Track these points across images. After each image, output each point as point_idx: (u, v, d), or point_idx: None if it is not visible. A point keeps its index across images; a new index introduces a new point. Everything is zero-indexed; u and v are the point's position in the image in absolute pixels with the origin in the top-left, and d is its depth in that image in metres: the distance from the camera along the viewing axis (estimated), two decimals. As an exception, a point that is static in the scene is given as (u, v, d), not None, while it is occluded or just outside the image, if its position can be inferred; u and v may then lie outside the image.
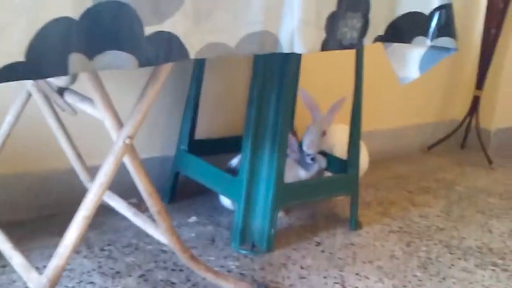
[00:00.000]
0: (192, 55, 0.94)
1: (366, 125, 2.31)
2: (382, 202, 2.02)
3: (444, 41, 1.26)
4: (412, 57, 1.30)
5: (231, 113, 1.95)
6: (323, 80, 2.12)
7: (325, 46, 1.12)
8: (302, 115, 1.89)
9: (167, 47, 0.90)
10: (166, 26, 0.89)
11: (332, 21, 1.11)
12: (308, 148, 1.73)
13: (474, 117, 2.67)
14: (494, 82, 2.69)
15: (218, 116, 1.93)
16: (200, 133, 1.83)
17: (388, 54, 1.34)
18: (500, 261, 1.65)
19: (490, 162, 2.58)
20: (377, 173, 2.30)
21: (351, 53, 1.62)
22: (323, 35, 1.11)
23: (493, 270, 1.59)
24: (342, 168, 1.75)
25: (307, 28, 1.07)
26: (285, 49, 1.07)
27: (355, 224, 1.76)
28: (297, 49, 1.07)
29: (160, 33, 0.88)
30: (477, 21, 2.69)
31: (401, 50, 1.31)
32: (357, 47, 1.19)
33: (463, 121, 2.70)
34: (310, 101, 1.77)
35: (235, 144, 1.67)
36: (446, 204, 2.07)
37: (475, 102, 2.65)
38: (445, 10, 1.26)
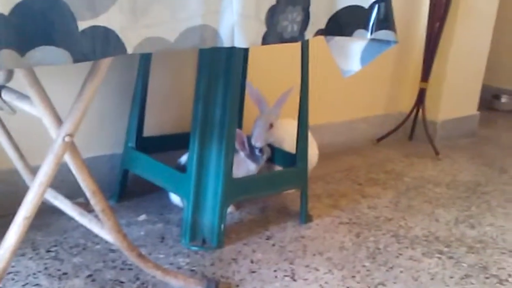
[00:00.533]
0: (130, 50, 0.93)
1: (316, 119, 2.34)
2: (332, 194, 2.05)
3: (384, 34, 1.28)
4: (353, 50, 1.32)
5: (179, 109, 1.94)
6: (271, 75, 2.13)
7: (266, 39, 1.13)
8: (252, 110, 1.89)
9: (104, 42, 0.89)
10: (101, 20, 0.87)
11: (272, 15, 1.12)
12: (256, 141, 1.74)
13: (420, 109, 2.73)
14: (439, 74, 2.76)
15: (166, 113, 1.92)
16: (149, 130, 1.81)
17: (330, 48, 1.35)
18: (446, 249, 1.69)
19: (437, 153, 2.65)
20: (327, 166, 2.32)
21: (298, 46, 1.64)
22: (263, 28, 1.11)
23: (439, 258, 1.63)
24: (291, 162, 1.76)
25: (248, 21, 1.07)
26: (226, 43, 1.07)
27: (305, 217, 1.78)
28: (238, 43, 1.07)
29: (95, 28, 0.87)
30: (421, 14, 2.75)
31: (342, 43, 1.33)
32: (298, 40, 1.20)
33: (410, 113, 2.76)
34: (256, 94, 1.78)
35: (184, 141, 1.66)
36: (395, 195, 2.11)
37: (421, 94, 2.71)
38: (384, 3, 1.28)
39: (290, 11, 1.16)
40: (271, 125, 1.78)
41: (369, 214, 1.90)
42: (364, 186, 2.17)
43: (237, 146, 1.69)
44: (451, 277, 1.52)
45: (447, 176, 2.38)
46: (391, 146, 2.73)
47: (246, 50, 1.83)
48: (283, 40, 1.17)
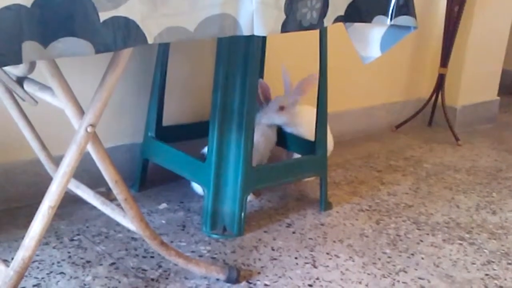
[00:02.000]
0: (151, 40, 0.93)
1: (334, 106, 2.33)
2: (351, 181, 2.05)
3: (404, 19, 1.27)
4: (373, 37, 1.31)
5: (198, 98, 1.95)
6: (290, 62, 2.12)
7: (285, 27, 1.12)
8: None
9: (125, 32, 0.89)
10: (122, 11, 0.88)
11: (291, 2, 1.11)
12: (261, 117, 1.81)
13: (440, 95, 2.71)
14: (458, 59, 2.73)
15: (185, 102, 1.93)
16: (168, 119, 1.82)
17: (350, 34, 1.34)
18: (467, 235, 1.68)
19: (457, 139, 2.62)
20: (347, 153, 2.32)
21: (317, 33, 1.63)
22: (282, 16, 1.11)
23: (460, 244, 1.63)
24: (310, 150, 1.76)
25: (267, 9, 1.07)
26: (245, 32, 1.07)
27: (325, 204, 1.78)
28: (257, 31, 1.07)
29: (116, 18, 0.87)
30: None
31: (362, 29, 1.32)
32: (318, 27, 1.19)
33: (429, 99, 2.74)
34: (284, 76, 1.81)
35: (204, 130, 1.67)
36: (414, 182, 2.10)
37: (441, 80, 2.68)
38: (404, -12, 1.27)
39: (309, -2, 1.15)
40: (281, 108, 1.80)
41: (389, 201, 1.89)
42: (384, 173, 2.16)
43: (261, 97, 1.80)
44: (473, 263, 1.52)
45: (467, 162, 2.36)
46: (410, 132, 2.71)
47: (264, 38, 1.83)
48: (302, 28, 1.17)
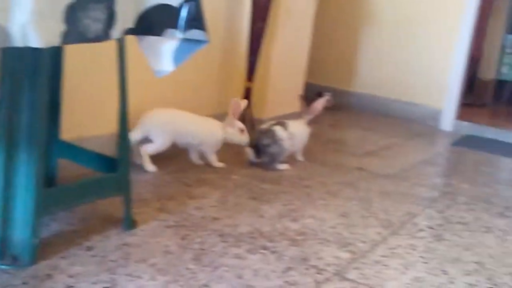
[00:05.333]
0: None
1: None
2: (160, 198, 2.01)
3: (195, 33, 1.27)
4: (165, 50, 1.30)
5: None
6: (91, 77, 2.04)
7: (67, 39, 1.06)
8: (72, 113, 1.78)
9: None
10: None
11: (72, 13, 1.05)
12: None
13: (247, 108, 2.79)
14: (264, 73, 2.85)
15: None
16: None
17: (142, 48, 1.31)
18: (269, 244, 1.73)
19: (264, 150, 2.72)
20: (158, 168, 2.28)
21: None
22: (62, 27, 1.04)
23: (263, 253, 1.67)
24: (111, 167, 1.69)
25: (42, 20, 0.99)
26: (18, 43, 0.98)
27: (129, 223, 1.72)
28: (33, 43, 0.99)
29: None
30: (244, 15, 2.81)
31: (154, 43, 1.30)
32: (104, 40, 1.15)
33: (238, 112, 2.81)
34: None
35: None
36: (223, 194, 2.12)
37: (248, 94, 2.77)
38: (194, 3, 1.27)
39: (92, 9, 1.10)
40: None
41: (196, 215, 1.89)
42: (193, 187, 2.16)
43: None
44: (274, 271, 1.56)
45: (272, 172, 2.45)
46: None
47: (59, 50, 1.72)
48: (86, 40, 1.11)
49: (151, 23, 1.23)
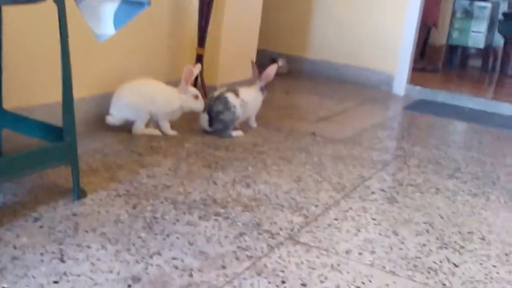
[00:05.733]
0: None
1: (96, 89, 2.23)
2: (110, 167, 1.97)
3: (136, -6, 1.23)
4: (105, 13, 1.25)
5: None
6: (31, 41, 1.96)
7: (-2, 0, 1.00)
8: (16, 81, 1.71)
9: None
10: None
11: (2, -28, 0.99)
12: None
13: (199, 75, 2.75)
14: (214, 39, 2.80)
15: None
16: None
17: (81, 10, 1.26)
18: (222, 210, 1.72)
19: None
20: (106, 137, 2.23)
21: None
22: (-8, -13, 0.98)
23: (216, 220, 1.66)
24: (57, 136, 1.64)
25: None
26: None
27: (78, 193, 1.68)
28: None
29: None
30: (194, -20, 2.75)
31: (93, 6, 1.25)
32: (38, 1, 1.09)
33: (190, 79, 2.76)
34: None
35: None
36: (175, 162, 2.09)
37: (199, 60, 2.72)
38: (136, -38, 1.22)
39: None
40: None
41: (147, 183, 1.86)
42: (144, 156, 2.12)
43: None
44: (226, 237, 1.55)
45: (226, 139, 2.43)
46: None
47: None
48: (18, 1, 1.05)
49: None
